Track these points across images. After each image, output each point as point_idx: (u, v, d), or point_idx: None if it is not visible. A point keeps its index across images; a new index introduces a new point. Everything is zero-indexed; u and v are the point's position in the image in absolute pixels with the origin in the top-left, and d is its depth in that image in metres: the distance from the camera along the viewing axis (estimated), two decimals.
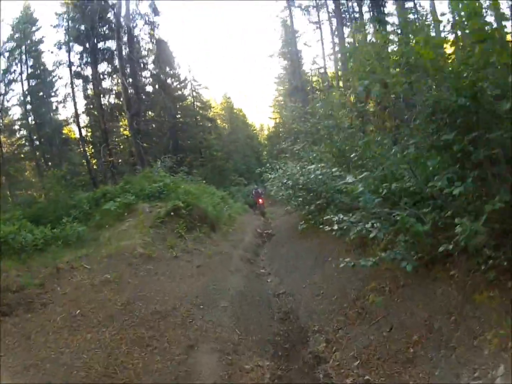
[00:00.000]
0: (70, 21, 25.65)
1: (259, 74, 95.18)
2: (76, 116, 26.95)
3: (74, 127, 28.44)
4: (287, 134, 20.81)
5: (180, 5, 64.90)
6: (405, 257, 4.54)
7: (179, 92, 34.66)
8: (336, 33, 27.21)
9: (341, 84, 23.85)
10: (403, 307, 4.66)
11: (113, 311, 5.51)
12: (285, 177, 11.14)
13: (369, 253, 6.35)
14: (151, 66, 30.72)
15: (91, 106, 27.86)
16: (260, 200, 21.77)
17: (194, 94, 35.95)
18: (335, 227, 5.17)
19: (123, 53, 24.33)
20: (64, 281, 6.40)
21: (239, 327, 5.48)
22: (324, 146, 10.10)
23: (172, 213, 10.69)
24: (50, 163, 25.59)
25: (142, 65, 28.95)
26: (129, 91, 23.90)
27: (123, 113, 26.13)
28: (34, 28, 26.18)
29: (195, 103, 35.97)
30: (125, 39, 24.75)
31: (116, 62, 25.04)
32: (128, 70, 25.07)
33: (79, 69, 26.60)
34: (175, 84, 34.10)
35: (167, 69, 32.61)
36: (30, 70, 25.89)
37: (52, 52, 26.64)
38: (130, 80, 25.39)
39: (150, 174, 15.31)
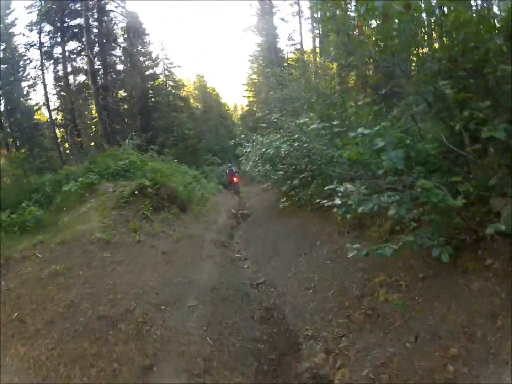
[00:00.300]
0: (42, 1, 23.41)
1: (234, 52, 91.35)
2: (46, 98, 24.83)
3: (45, 110, 26.26)
4: (264, 104, 19.02)
5: None
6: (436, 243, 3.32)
7: (151, 71, 32.56)
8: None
9: (319, 60, 22.70)
10: (429, 308, 3.50)
11: (54, 315, 4.36)
12: (264, 147, 9.76)
13: (370, 236, 5.20)
14: (122, 42, 28.56)
15: (60, 88, 25.88)
16: (235, 179, 20.75)
17: (167, 73, 33.77)
18: (337, 201, 3.79)
19: (91, 26, 22.78)
20: (12, 274, 5.54)
21: (211, 334, 4.18)
22: (308, 112, 8.74)
23: (136, 193, 9.50)
24: (22, 150, 23.69)
25: (112, 40, 26.69)
26: (95, 65, 22.17)
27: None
28: (7, 11, 23.83)
29: (167, 82, 33.93)
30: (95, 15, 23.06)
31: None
32: (97, 46, 23.25)
33: (49, 49, 24.47)
34: (147, 62, 31.95)
35: (139, 47, 30.63)
36: (1, 55, 23.59)
37: (23, 35, 24.23)
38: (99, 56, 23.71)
39: (116, 152, 14.07)
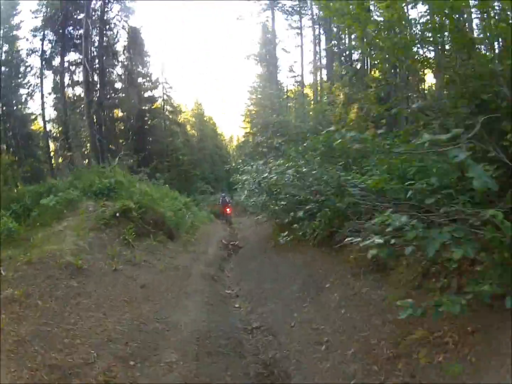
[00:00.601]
0: (48, 7, 22.97)
1: (233, 80, 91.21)
2: (42, 108, 24.20)
3: (41, 120, 25.61)
4: (264, 129, 18.16)
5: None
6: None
7: (150, 93, 32.11)
8: (317, 40, 25.89)
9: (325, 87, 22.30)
10: (484, 369, 2.48)
11: None
12: (265, 172, 8.81)
13: (395, 280, 4.22)
14: (122, 58, 28.30)
15: (56, 99, 25.17)
16: (228, 209, 19.80)
17: (165, 97, 33.45)
18: (376, 240, 2.76)
19: (91, 36, 22.26)
20: None
21: None
22: (311, 140, 7.78)
23: (118, 215, 8.48)
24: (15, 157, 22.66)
25: (112, 55, 26.22)
26: (92, 78, 21.54)
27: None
28: (13, 12, 23.32)
29: (165, 106, 33.45)
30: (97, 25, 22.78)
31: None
32: (96, 59, 22.87)
33: (50, 58, 23.97)
34: (146, 84, 31.52)
35: (139, 67, 30.27)
36: (3, 57, 22.96)
37: (27, 39, 23.61)
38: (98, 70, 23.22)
39: (103, 170, 13.15)
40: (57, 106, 25.31)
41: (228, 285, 7.90)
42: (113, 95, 27.45)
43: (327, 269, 5.68)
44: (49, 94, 24.82)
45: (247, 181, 11.21)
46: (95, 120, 20.24)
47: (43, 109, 24.03)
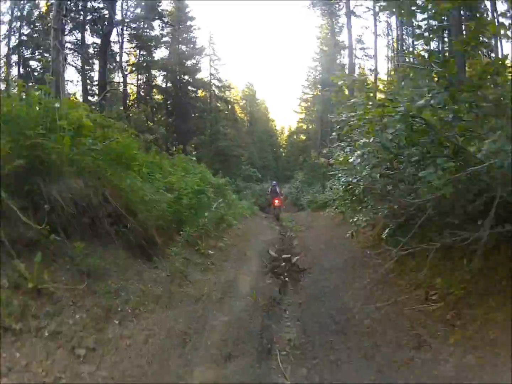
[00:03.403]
0: None
1: (288, 68, 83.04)
2: None
3: None
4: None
5: None
6: None
7: (193, 61, 26.47)
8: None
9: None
10: None
11: None
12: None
13: None
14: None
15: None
16: (277, 201, 15.07)
17: (212, 70, 27.98)
18: None
19: None
20: None
21: None
22: None
23: None
24: None
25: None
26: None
27: None
28: None
29: (211, 80, 27.88)
30: None
31: None
32: None
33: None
34: (189, 52, 26.05)
35: (183, 35, 25.10)
36: None
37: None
38: None
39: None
40: None
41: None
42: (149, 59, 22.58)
43: None
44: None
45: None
46: None
47: None
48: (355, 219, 5.66)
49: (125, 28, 20.20)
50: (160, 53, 24.92)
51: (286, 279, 5.62)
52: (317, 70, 30.58)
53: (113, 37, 19.18)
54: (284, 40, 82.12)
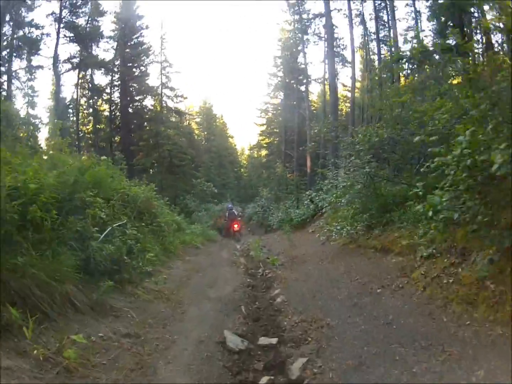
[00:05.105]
0: None
1: (246, 84, 78.73)
2: None
3: None
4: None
5: None
6: None
7: (140, 64, 22.73)
8: None
9: None
10: None
11: None
12: None
13: None
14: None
15: None
16: (236, 226, 13.80)
17: (164, 79, 23.64)
18: None
19: None
20: None
21: None
22: None
23: None
24: None
25: None
26: None
27: None
28: None
29: (163, 89, 23.74)
30: None
31: None
32: None
33: None
34: (133, 49, 22.47)
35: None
36: None
37: None
38: None
39: None
40: None
41: None
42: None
43: None
44: None
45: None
46: None
47: None
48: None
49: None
50: (106, 54, 21.05)
51: None
52: (278, 76, 27.78)
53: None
54: (241, 53, 79.52)
